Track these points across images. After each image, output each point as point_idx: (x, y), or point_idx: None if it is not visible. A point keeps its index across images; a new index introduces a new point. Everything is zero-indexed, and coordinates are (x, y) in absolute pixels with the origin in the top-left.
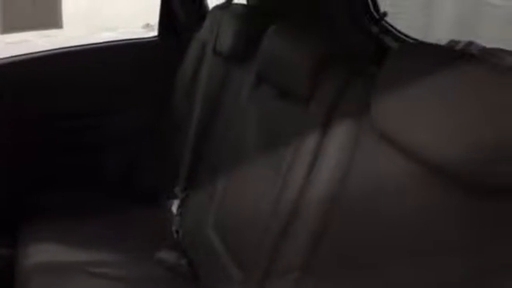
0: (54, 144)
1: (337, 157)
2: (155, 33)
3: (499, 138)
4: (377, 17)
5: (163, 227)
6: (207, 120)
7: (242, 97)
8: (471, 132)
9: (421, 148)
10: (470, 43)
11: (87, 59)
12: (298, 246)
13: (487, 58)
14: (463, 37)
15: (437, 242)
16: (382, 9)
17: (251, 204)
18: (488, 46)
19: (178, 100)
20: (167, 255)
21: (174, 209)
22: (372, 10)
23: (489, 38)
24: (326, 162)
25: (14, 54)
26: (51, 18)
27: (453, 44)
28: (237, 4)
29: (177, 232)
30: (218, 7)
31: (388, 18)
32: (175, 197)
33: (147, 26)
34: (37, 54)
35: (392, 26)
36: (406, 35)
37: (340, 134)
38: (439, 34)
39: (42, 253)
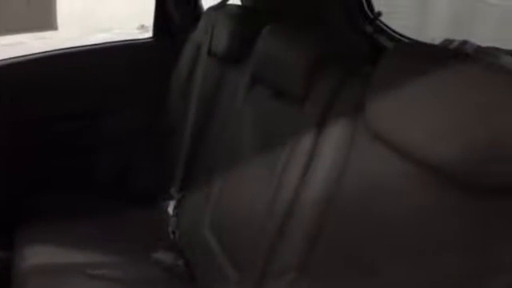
0: (50, 146)
1: (332, 157)
2: (150, 34)
3: (493, 137)
4: (371, 16)
5: (159, 228)
6: (203, 121)
7: (237, 97)
8: (465, 132)
9: (415, 148)
10: (465, 42)
11: (82, 61)
12: (294, 247)
13: (482, 57)
14: (458, 35)
15: (433, 241)
16: (376, 8)
17: (247, 204)
18: (483, 44)
19: (173, 101)
20: (164, 256)
21: (170, 210)
22: (366, 9)
23: (484, 36)
24: (321, 162)
25: (9, 56)
26: (46, 20)
27: (447, 43)
28: (231, 5)
29: (173, 233)
30: (212, 8)
31: (382, 18)
32: (171, 198)
33: (142, 27)
34: (32, 56)
35: (386, 26)
36: (400, 34)
37: (335, 134)
38: (434, 33)
39: (38, 255)
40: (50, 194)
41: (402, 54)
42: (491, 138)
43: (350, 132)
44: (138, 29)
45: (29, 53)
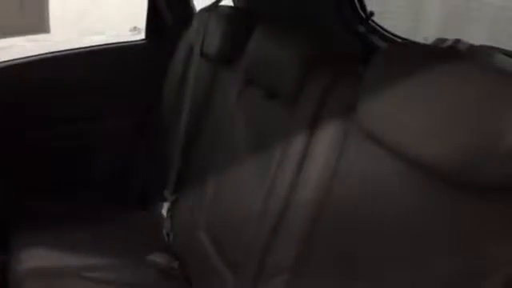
0: (44, 150)
1: (325, 157)
2: (143, 36)
3: (486, 137)
4: (364, 16)
5: (154, 230)
6: (196, 122)
7: (229, 98)
8: (458, 131)
9: (408, 148)
10: (458, 41)
11: (75, 63)
12: (288, 247)
13: (475, 56)
14: (451, 34)
15: (426, 241)
16: (369, 8)
17: (241, 205)
18: (476, 43)
19: (166, 103)
20: (158, 258)
21: (164, 212)
22: (359, 9)
23: (477, 35)
24: (313, 162)
25: (2, 60)
26: (38, 23)
27: (440, 42)
28: (224, 6)
29: (167, 235)
30: (205, 9)
31: (375, 18)
32: (165, 200)
33: (135, 29)
34: (25, 59)
35: (379, 26)
36: (393, 34)
37: (327, 134)
38: (427, 32)
39: (34, 258)
40: (45, 197)
41: (394, 53)
42: (484, 137)
43: (343, 132)
44: (131, 31)
45: (22, 56)
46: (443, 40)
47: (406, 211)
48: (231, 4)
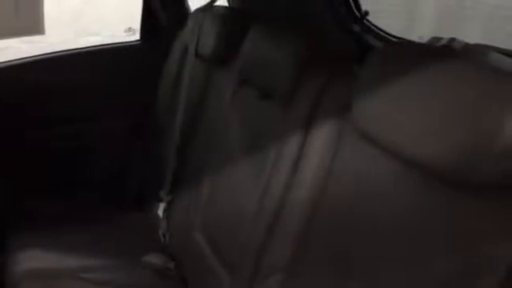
0: (40, 150)
1: (320, 156)
2: (137, 36)
3: (481, 136)
4: (358, 16)
5: (150, 231)
6: (191, 123)
7: (224, 99)
8: (453, 131)
9: (403, 147)
10: (452, 40)
11: (70, 64)
12: (284, 247)
13: (470, 55)
14: (446, 32)
15: (422, 240)
16: (364, 8)
17: (236, 205)
18: (471, 42)
19: (161, 103)
20: (155, 259)
21: (160, 212)
22: (353, 9)
23: (472, 33)
24: (308, 161)
25: None
26: (33, 25)
27: (435, 41)
28: (218, 6)
29: (163, 235)
30: (199, 9)
31: (370, 17)
32: (161, 200)
33: (129, 29)
34: (21, 61)
35: (374, 25)
36: (388, 33)
37: (322, 134)
38: (422, 31)
39: (31, 259)
40: (41, 198)
41: (389, 53)
42: (479, 136)
43: (338, 132)
44: (126, 31)
45: (17, 57)
46: (438, 39)
47: (401, 211)
48: (226, 4)
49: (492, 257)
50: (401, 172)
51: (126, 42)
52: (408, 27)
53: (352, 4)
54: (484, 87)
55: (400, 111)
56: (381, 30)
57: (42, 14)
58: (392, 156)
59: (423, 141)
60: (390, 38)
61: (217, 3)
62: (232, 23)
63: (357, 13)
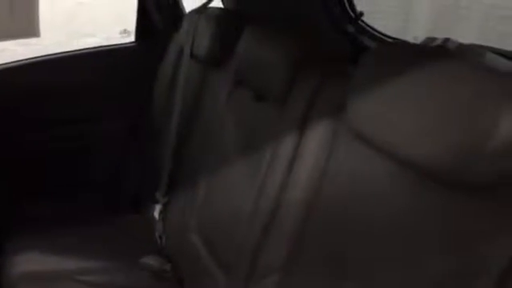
0: (36, 153)
1: (314, 157)
2: (132, 38)
3: (475, 136)
4: (353, 16)
5: (146, 233)
6: (186, 124)
7: (219, 100)
8: (447, 131)
9: (397, 148)
10: (447, 40)
11: (66, 66)
12: (279, 247)
13: (464, 55)
14: (441, 32)
15: (417, 241)
16: (359, 8)
17: (232, 206)
18: (466, 41)
19: (157, 104)
20: (151, 260)
21: (156, 214)
22: (348, 9)
23: (467, 33)
24: (303, 162)
25: None
26: (28, 27)
27: (429, 41)
28: (213, 7)
29: (160, 237)
30: (194, 11)
31: (365, 18)
32: (157, 202)
33: (124, 31)
34: (17, 63)
35: (368, 25)
36: (382, 34)
37: (317, 135)
38: (417, 31)
39: (27, 262)
40: (38, 201)
41: (383, 53)
42: (473, 136)
43: (332, 132)
44: (121, 33)
45: (14, 59)
46: (433, 39)
47: (396, 211)
48: (220, 6)
49: (487, 257)
50: (396, 172)
51: (121, 44)
52: (404, 28)
53: (346, 5)
54: (478, 87)
55: (394, 111)
56: (376, 30)
57: (37, 17)
58: (387, 156)
59: (418, 141)
60: (385, 38)
61: (211, 4)
62: (227, 24)
63: (351, 13)
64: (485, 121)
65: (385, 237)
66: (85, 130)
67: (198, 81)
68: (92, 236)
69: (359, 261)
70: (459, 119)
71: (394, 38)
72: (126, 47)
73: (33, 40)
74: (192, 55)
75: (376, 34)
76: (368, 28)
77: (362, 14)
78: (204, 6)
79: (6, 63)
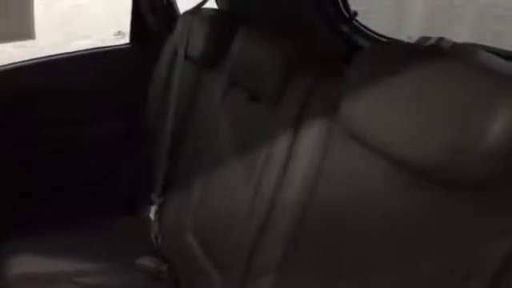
0: (31, 155)
1: (309, 156)
2: (127, 40)
3: (468, 136)
4: (347, 16)
5: (142, 234)
6: (181, 125)
7: (214, 100)
8: (440, 131)
9: (391, 147)
10: (441, 39)
11: (61, 68)
12: (275, 247)
13: (458, 54)
14: (435, 31)
15: (414, 240)
16: (353, 8)
17: (228, 206)
18: (460, 40)
19: (152, 106)
20: (147, 261)
21: (152, 215)
22: (342, 9)
23: (461, 32)
24: (298, 161)
25: None
26: (23, 30)
27: (423, 40)
28: (207, 8)
29: (156, 238)
30: (188, 12)
31: (359, 17)
32: (152, 203)
33: (119, 33)
34: (13, 65)
35: (362, 25)
36: (377, 33)
37: (311, 134)
38: (411, 30)
39: (23, 264)
40: (33, 203)
41: (376, 52)
42: (467, 135)
43: (327, 132)
44: (115, 35)
45: (9, 62)
46: (426, 38)
47: (391, 211)
48: (215, 7)
49: (481, 257)
50: (390, 172)
51: (116, 46)
52: (398, 27)
53: (341, 4)
54: (472, 86)
55: (388, 111)
56: (370, 30)
57: (32, 19)
58: (381, 156)
59: (412, 140)
60: (379, 38)
61: (205, 6)
62: (221, 25)
63: (345, 13)
64: (479, 120)
65: (379, 236)
66: (80, 132)
67: (192, 82)
68: (88, 238)
69: (354, 260)
70: (453, 118)
71: (387, 38)
72: (120, 49)
73: (29, 42)
74: (186, 56)
75: (370, 33)
76: (362, 28)
77: (356, 13)
78: (198, 7)
79: (2, 66)
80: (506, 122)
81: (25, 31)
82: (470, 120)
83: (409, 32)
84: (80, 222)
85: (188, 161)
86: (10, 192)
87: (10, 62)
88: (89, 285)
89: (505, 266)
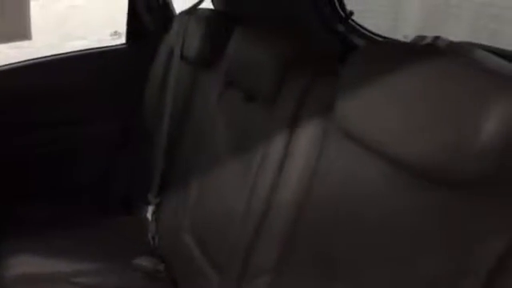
0: (28, 155)
1: (305, 156)
2: (123, 40)
3: (463, 135)
4: (343, 16)
5: (139, 234)
6: (178, 125)
7: (210, 101)
8: (435, 130)
9: (386, 147)
10: (437, 38)
11: (58, 69)
12: (271, 247)
13: (454, 53)
14: (431, 30)
15: (409, 240)
16: (350, 7)
17: (224, 206)
18: (456, 39)
19: (148, 106)
20: (144, 261)
21: (149, 215)
22: (338, 9)
23: (457, 31)
24: (294, 161)
25: None
26: (20, 31)
27: (419, 39)
28: (203, 8)
29: (153, 238)
30: (184, 12)
31: (355, 17)
32: (149, 203)
33: (115, 33)
34: (9, 66)
35: (358, 25)
36: (372, 33)
37: (307, 134)
38: (407, 29)
39: (21, 264)
40: (30, 203)
41: (372, 52)
42: (462, 134)
43: (322, 131)
44: (112, 35)
45: (5, 62)
46: (422, 37)
47: (387, 210)
48: (211, 7)
49: (476, 257)
50: (386, 171)
51: (112, 46)
52: (394, 27)
53: (337, 4)
54: (467, 85)
55: (383, 110)
56: (366, 29)
57: (29, 19)
58: (376, 155)
59: (407, 140)
60: (375, 37)
61: (201, 6)
62: (217, 25)
63: (341, 13)
64: (473, 119)
65: (375, 236)
66: (77, 132)
67: (188, 82)
68: (85, 238)
69: (350, 261)
70: (448, 117)
71: (383, 37)
72: (116, 49)
73: (25, 43)
74: (182, 56)
75: (366, 33)
76: (358, 27)
77: (352, 13)
78: (194, 8)
79: None
80: (500, 121)
81: (21, 32)
82: (465, 119)
83: (405, 31)
84: (77, 223)
85: (184, 161)
86: (6, 193)
87: (7, 63)
88: (86, 285)
89: (499, 265)
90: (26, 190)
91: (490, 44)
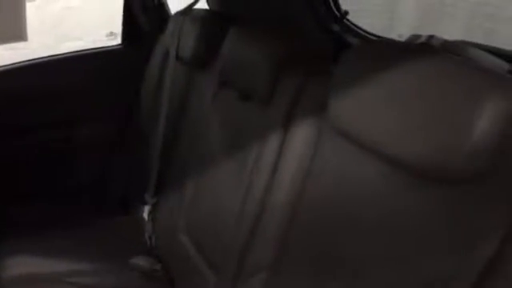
0: (25, 156)
1: (299, 156)
2: (119, 41)
3: (457, 134)
4: (338, 15)
5: (136, 234)
6: (173, 125)
7: (205, 101)
8: (430, 129)
9: (379, 145)
10: (431, 37)
11: (53, 70)
12: (266, 246)
13: (449, 51)
14: (427, 30)
15: (405, 240)
16: (345, 7)
17: (220, 206)
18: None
19: (144, 106)
20: (141, 261)
21: (146, 215)
22: (333, 8)
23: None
24: (288, 161)
25: None
26: (16, 32)
27: (414, 38)
28: (198, 9)
29: (149, 238)
30: (179, 13)
31: (350, 16)
32: (146, 203)
33: (111, 34)
34: (4, 68)
35: (353, 24)
36: (367, 32)
37: (302, 132)
38: (403, 28)
39: (18, 265)
40: (27, 204)
41: (365, 50)
42: (455, 133)
43: (317, 130)
44: (107, 36)
45: (1, 64)
46: (417, 36)
47: (381, 209)
48: (206, 7)
49: (468, 258)
50: (380, 170)
51: (108, 47)
52: (389, 26)
53: (332, 4)
54: (462, 84)
55: (376, 108)
56: (360, 29)
57: (25, 21)
58: (370, 154)
59: (401, 138)
60: (370, 36)
61: (196, 6)
62: (212, 26)
63: (336, 12)
64: (467, 117)
65: (370, 235)
66: (73, 133)
67: (183, 82)
68: (83, 238)
69: (345, 260)
70: (442, 116)
71: (378, 37)
72: (112, 50)
73: (20, 44)
74: (178, 57)
75: (361, 32)
76: (353, 27)
77: (347, 12)
78: (189, 8)
79: None
80: (493, 119)
81: (17, 33)
82: (459, 117)
83: (400, 30)
84: (75, 223)
85: (180, 161)
86: (4, 193)
87: (2, 65)
88: (84, 285)
89: (489, 267)
90: (23, 191)
91: (485, 43)
